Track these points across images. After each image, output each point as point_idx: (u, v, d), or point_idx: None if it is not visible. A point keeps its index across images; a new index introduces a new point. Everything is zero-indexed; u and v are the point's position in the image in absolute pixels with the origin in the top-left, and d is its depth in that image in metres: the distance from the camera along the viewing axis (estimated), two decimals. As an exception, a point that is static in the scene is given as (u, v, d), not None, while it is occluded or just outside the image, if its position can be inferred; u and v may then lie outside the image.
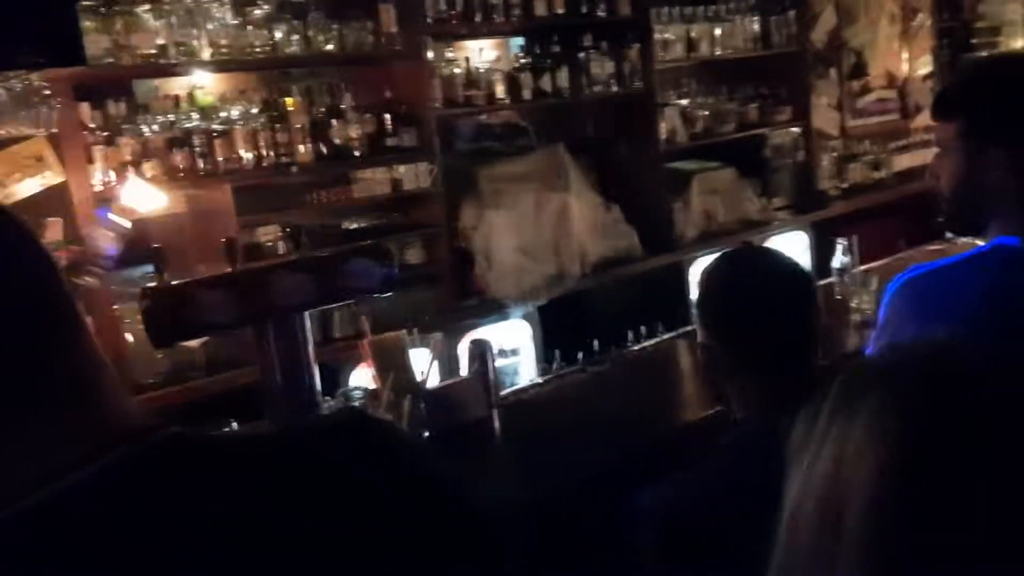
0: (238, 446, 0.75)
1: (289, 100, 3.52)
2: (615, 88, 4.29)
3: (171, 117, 3.29)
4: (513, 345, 3.84)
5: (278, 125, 3.45)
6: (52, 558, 0.62)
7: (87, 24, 2.97)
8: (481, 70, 4.01)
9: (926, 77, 5.68)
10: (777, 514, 0.72)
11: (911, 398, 0.65)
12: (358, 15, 3.61)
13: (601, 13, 4.23)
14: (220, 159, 3.30)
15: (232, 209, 3.39)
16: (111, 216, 2.90)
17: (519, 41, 4.33)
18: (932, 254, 3.18)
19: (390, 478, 0.72)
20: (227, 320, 1.94)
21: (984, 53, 5.44)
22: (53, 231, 2.98)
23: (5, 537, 0.62)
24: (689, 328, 3.41)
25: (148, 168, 3.15)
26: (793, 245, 4.68)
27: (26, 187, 2.91)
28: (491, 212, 3.86)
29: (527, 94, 4.05)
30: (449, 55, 4.03)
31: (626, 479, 2.06)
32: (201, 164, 3.27)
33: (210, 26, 3.28)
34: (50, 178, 2.94)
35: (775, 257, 1.75)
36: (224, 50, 3.32)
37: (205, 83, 3.47)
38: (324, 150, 3.54)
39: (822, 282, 3.12)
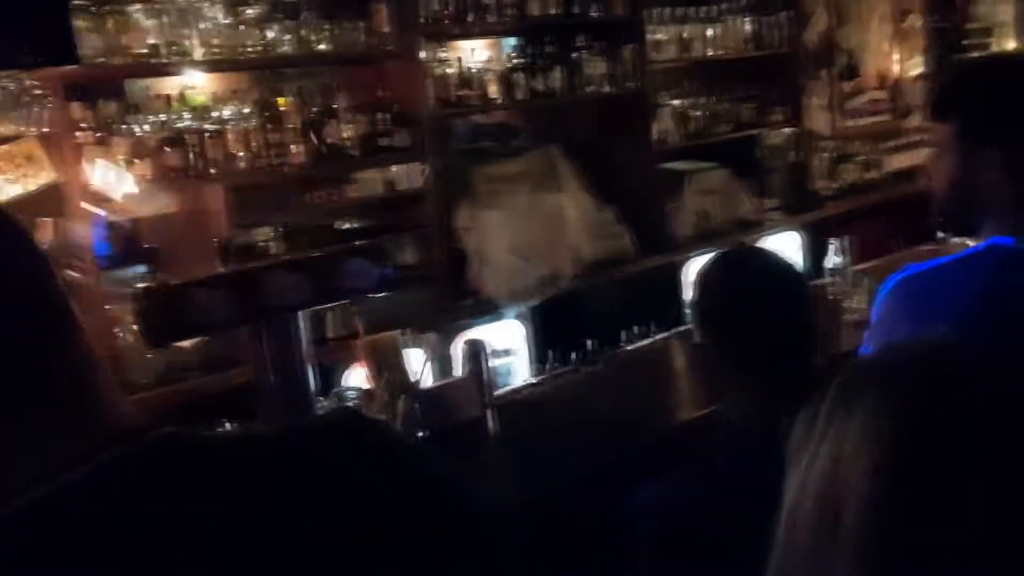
0: (235, 446, 0.74)
1: (282, 100, 3.52)
2: (609, 88, 4.29)
3: (163, 117, 3.28)
4: (507, 345, 3.84)
5: (271, 125, 3.44)
6: (49, 558, 0.62)
7: (79, 23, 2.96)
8: (474, 70, 4.00)
9: (918, 78, 5.70)
10: (774, 514, 0.72)
11: (906, 398, 0.65)
12: (351, 15, 3.61)
13: (595, 13, 4.24)
14: (213, 159, 3.29)
15: (225, 209, 3.38)
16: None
17: (512, 41, 4.33)
18: (925, 254, 3.19)
19: (389, 478, 0.72)
20: (222, 320, 1.94)
21: (976, 54, 5.45)
22: (44, 231, 2.97)
23: (1, 536, 0.62)
24: (683, 328, 3.42)
25: (141, 168, 3.14)
26: (786, 245, 4.69)
27: (17, 187, 2.90)
28: (485, 212, 3.86)
29: (521, 94, 4.04)
30: (442, 55, 4.03)
31: (620, 479, 2.06)
32: (194, 164, 3.26)
33: (203, 26, 3.27)
34: (41, 178, 2.93)
35: (769, 257, 1.76)
36: (217, 50, 3.31)
37: (198, 83, 3.46)
38: (317, 150, 3.54)
39: (816, 282, 3.13)
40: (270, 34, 3.43)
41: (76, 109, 3.07)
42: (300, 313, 2.05)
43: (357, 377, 2.78)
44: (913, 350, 0.70)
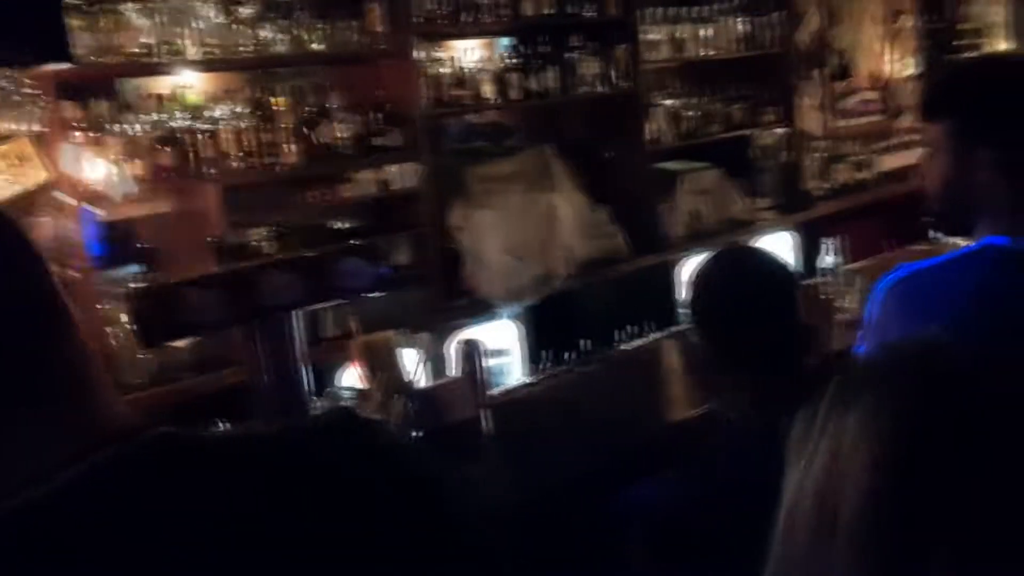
0: (231, 446, 0.74)
1: (276, 100, 3.51)
2: (602, 88, 4.30)
3: (157, 116, 3.27)
4: (501, 345, 3.84)
5: (265, 125, 3.43)
6: (45, 558, 0.61)
7: (72, 22, 2.95)
8: (469, 70, 4.00)
9: (910, 78, 5.72)
10: (769, 513, 0.73)
11: (904, 398, 0.66)
12: (345, 14, 3.60)
13: (589, 13, 4.24)
14: (207, 159, 3.29)
15: (219, 209, 3.38)
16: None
17: (506, 41, 4.33)
18: (919, 254, 3.20)
19: (385, 478, 0.72)
20: (216, 320, 1.94)
21: (968, 54, 5.48)
22: (37, 231, 2.96)
23: None
24: (676, 328, 3.42)
25: (135, 167, 3.13)
26: (779, 245, 4.70)
27: (10, 187, 2.89)
28: (479, 212, 3.86)
29: (515, 94, 4.05)
30: (437, 55, 4.03)
31: (615, 478, 2.07)
32: (188, 163, 3.25)
33: (196, 25, 3.27)
34: (35, 177, 2.92)
35: (763, 257, 1.77)
36: (210, 49, 3.30)
37: (191, 82, 3.45)
38: (311, 150, 3.53)
39: (808, 282, 3.14)
40: (264, 33, 3.43)
41: (69, 108, 3.06)
42: (294, 313, 2.05)
43: (351, 377, 2.78)
44: (910, 349, 0.70)
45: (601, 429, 2.49)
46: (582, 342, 3.37)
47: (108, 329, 3.01)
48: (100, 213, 3.05)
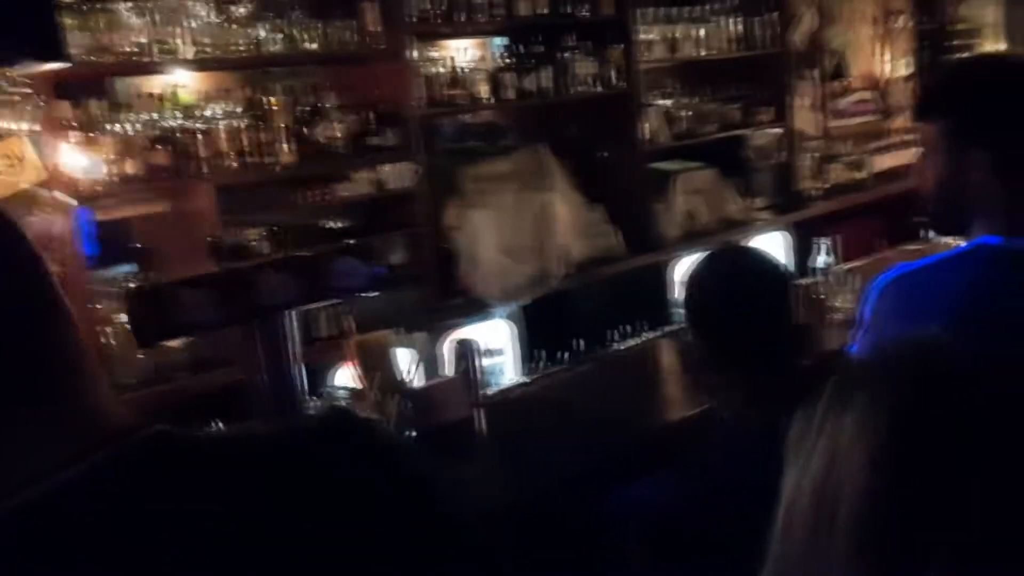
0: (228, 445, 0.74)
1: (271, 99, 3.51)
2: (598, 88, 4.30)
3: (152, 116, 3.26)
4: (496, 345, 3.85)
5: (260, 124, 3.43)
6: (43, 557, 0.61)
7: (67, 21, 2.94)
8: (464, 70, 4.00)
9: (906, 78, 5.73)
10: (765, 511, 0.73)
11: (902, 397, 0.66)
12: (341, 14, 3.60)
13: (584, 13, 4.24)
14: (202, 158, 3.28)
15: (214, 208, 3.37)
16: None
17: (502, 41, 4.33)
18: (912, 253, 3.21)
19: (382, 478, 0.72)
20: (212, 320, 1.93)
21: (962, 55, 5.49)
22: (32, 230, 2.95)
23: None
24: (671, 327, 3.43)
25: (129, 166, 3.12)
26: (774, 245, 4.71)
27: (5, 186, 2.88)
28: (474, 212, 3.86)
29: (510, 94, 4.05)
30: (432, 55, 4.03)
31: (610, 478, 2.07)
32: (183, 163, 3.25)
33: (191, 24, 3.26)
34: (31, 177, 2.91)
35: (758, 257, 1.77)
36: (205, 49, 3.29)
37: (186, 82, 3.44)
38: (306, 149, 3.53)
39: (803, 282, 3.15)
40: (259, 33, 3.42)
41: (63, 108, 3.06)
42: (290, 312, 2.04)
43: (345, 376, 2.78)
44: (908, 348, 0.71)
45: (596, 429, 2.49)
46: (576, 342, 3.37)
47: (103, 329, 3.01)
48: (95, 213, 3.04)
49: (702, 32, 4.70)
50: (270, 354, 2.02)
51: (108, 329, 3.02)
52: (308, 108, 3.60)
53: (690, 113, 4.74)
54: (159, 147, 3.20)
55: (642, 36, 4.45)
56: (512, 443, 2.52)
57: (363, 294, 2.28)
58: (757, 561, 0.73)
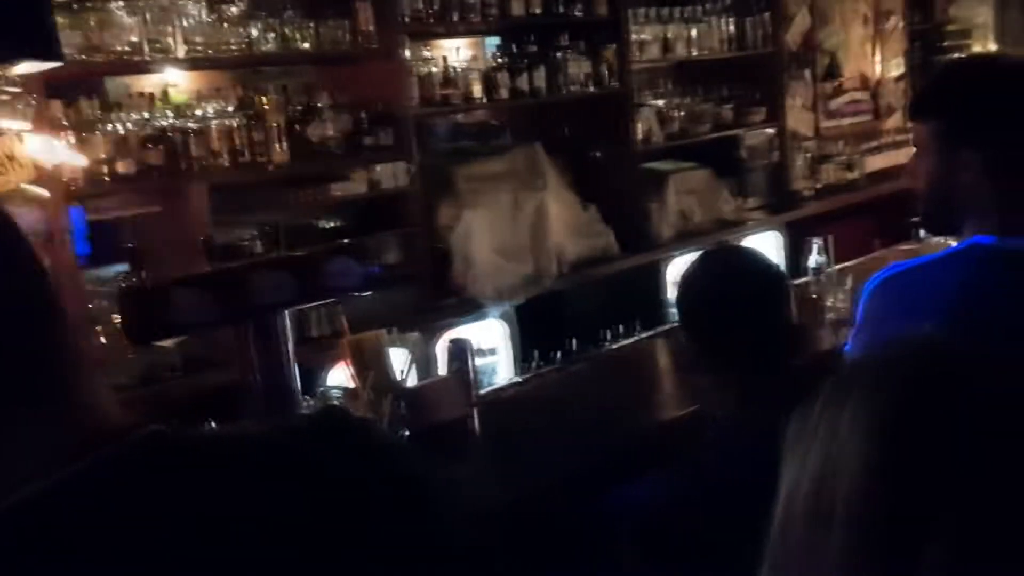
0: (224, 445, 0.74)
1: (264, 99, 3.50)
2: (592, 88, 4.30)
3: (145, 115, 3.26)
4: (490, 344, 3.85)
5: (253, 123, 3.42)
6: (40, 556, 0.62)
7: (59, 20, 2.93)
8: (458, 69, 4.00)
9: (898, 79, 5.75)
10: (758, 511, 0.73)
11: (898, 397, 0.66)
12: (334, 13, 3.60)
13: (577, 13, 4.25)
14: (195, 158, 3.28)
15: (207, 208, 3.36)
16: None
17: (495, 40, 4.33)
18: (905, 253, 3.22)
19: (378, 477, 0.73)
20: (208, 320, 1.93)
21: (955, 55, 5.51)
22: (26, 230, 2.94)
23: None
24: (665, 327, 3.43)
25: (122, 166, 3.11)
26: (767, 245, 4.72)
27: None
28: (468, 211, 3.86)
29: (503, 93, 4.05)
30: (426, 54, 4.03)
31: (604, 478, 2.07)
32: (176, 162, 3.24)
33: (184, 23, 3.25)
34: (23, 176, 2.90)
35: (752, 257, 1.78)
36: (199, 48, 3.29)
37: (179, 81, 3.44)
38: (300, 149, 3.52)
39: (797, 281, 3.15)
40: (252, 32, 3.42)
41: (55, 107, 3.05)
42: (284, 312, 2.04)
43: (339, 376, 2.77)
44: (904, 348, 0.71)
45: (590, 428, 2.49)
46: (570, 341, 3.37)
47: (96, 328, 3.00)
48: (87, 212, 3.03)
49: (696, 32, 4.71)
50: (263, 354, 2.02)
51: (100, 329, 3.01)
52: (301, 107, 3.59)
53: (683, 113, 4.75)
54: (151, 146, 3.19)
55: (635, 36, 4.46)
56: (506, 443, 2.52)
57: (356, 294, 2.27)
58: (750, 561, 0.73)
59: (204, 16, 3.31)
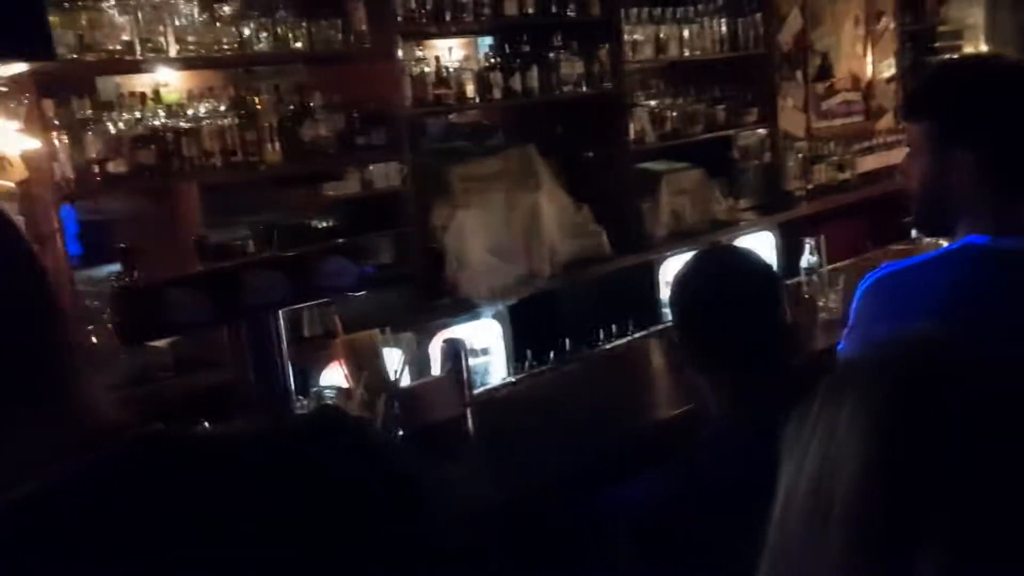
0: (220, 444, 0.74)
1: (258, 98, 3.49)
2: (585, 88, 4.31)
3: (137, 115, 3.25)
4: (484, 344, 3.85)
5: (246, 123, 3.42)
6: (37, 554, 0.62)
7: (51, 19, 2.92)
8: (451, 69, 4.00)
9: (890, 80, 5.77)
10: (753, 511, 0.73)
11: (892, 396, 0.66)
12: (327, 13, 3.59)
13: (571, 13, 4.25)
14: (188, 157, 3.27)
15: (200, 208, 3.36)
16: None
17: (489, 40, 4.33)
18: (898, 253, 3.23)
19: (373, 477, 0.73)
20: (198, 319, 1.93)
21: (947, 56, 5.53)
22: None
23: None
24: (659, 327, 3.44)
25: (114, 166, 3.10)
26: (760, 245, 4.73)
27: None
28: (462, 211, 3.86)
29: (497, 93, 4.05)
30: (419, 54, 4.02)
31: (599, 477, 2.07)
32: (169, 162, 3.23)
33: (177, 22, 3.25)
34: (15, 176, 2.89)
35: (746, 257, 1.78)
36: (192, 47, 3.28)
37: (172, 80, 3.43)
38: (294, 149, 3.52)
39: (790, 281, 3.16)
40: (246, 32, 3.41)
41: (47, 106, 3.04)
42: (278, 312, 2.04)
43: (333, 376, 2.77)
44: (899, 347, 0.71)
45: (584, 428, 2.49)
46: (564, 341, 3.37)
47: (89, 328, 2.99)
48: (79, 212, 3.02)
49: (688, 33, 4.72)
50: (257, 354, 2.02)
51: (92, 329, 3.00)
52: (294, 107, 3.59)
53: (676, 113, 4.76)
54: (144, 146, 3.18)
55: (628, 37, 4.47)
56: (500, 443, 2.52)
57: (350, 294, 2.27)
58: (745, 560, 0.73)
59: (197, 15, 3.30)
